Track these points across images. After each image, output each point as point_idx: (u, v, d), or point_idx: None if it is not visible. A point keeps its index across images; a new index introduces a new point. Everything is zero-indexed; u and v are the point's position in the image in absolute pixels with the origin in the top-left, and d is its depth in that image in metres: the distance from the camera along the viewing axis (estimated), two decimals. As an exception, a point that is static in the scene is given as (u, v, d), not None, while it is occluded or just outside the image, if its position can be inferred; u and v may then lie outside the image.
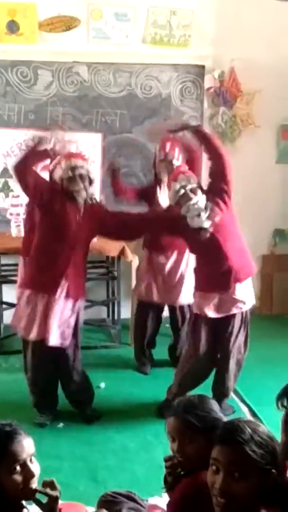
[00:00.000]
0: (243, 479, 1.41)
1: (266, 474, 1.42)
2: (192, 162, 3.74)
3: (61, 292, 3.16)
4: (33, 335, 3.19)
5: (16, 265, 4.39)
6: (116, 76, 4.95)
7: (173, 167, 3.61)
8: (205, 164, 3.45)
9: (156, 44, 4.99)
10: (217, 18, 4.98)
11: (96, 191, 3.35)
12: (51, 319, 3.14)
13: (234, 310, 3.25)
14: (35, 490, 1.63)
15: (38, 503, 1.68)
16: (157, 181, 3.92)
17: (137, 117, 5.01)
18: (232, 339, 3.30)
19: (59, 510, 1.71)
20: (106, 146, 5.00)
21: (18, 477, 1.59)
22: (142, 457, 2.98)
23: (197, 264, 3.42)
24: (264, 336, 4.77)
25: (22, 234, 4.18)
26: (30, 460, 1.63)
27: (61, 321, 3.19)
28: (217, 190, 3.16)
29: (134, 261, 4.47)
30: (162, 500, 2.28)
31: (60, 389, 3.41)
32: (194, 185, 3.14)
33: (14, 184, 4.91)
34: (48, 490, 1.67)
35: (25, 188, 3.17)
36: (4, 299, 4.67)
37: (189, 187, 3.11)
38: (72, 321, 3.23)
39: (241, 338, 3.34)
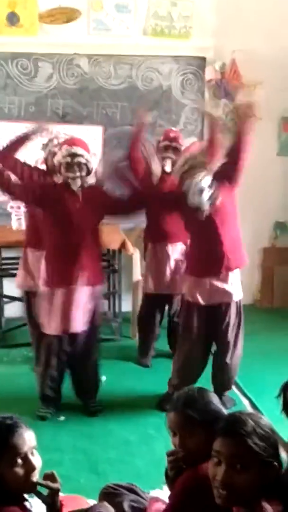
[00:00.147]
0: (245, 472, 1.42)
1: (268, 466, 1.43)
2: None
3: (79, 282, 3.17)
4: (53, 329, 3.21)
5: (17, 258, 4.39)
6: (116, 68, 4.93)
7: (180, 153, 3.61)
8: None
9: (157, 36, 4.96)
10: (218, 9, 4.95)
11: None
12: (72, 308, 3.16)
13: (226, 299, 3.25)
14: (36, 483, 1.64)
15: (40, 495, 1.69)
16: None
17: (137, 109, 4.98)
18: (230, 330, 3.30)
19: (60, 503, 1.72)
20: (107, 139, 4.98)
21: (19, 470, 1.60)
22: (143, 450, 2.99)
23: (190, 247, 3.41)
24: (265, 329, 4.78)
25: (23, 227, 4.17)
26: (32, 453, 1.63)
27: (82, 308, 3.19)
28: (227, 173, 3.14)
29: (135, 254, 4.46)
30: (163, 492, 2.29)
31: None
32: (201, 161, 3.10)
33: (14, 176, 4.91)
34: (49, 483, 1.68)
35: (10, 191, 3.21)
36: (5, 292, 4.67)
37: (194, 162, 3.07)
38: (90, 307, 3.24)
39: (238, 329, 3.34)
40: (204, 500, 1.55)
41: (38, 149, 3.80)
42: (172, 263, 3.92)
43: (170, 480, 1.84)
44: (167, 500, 1.89)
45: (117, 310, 4.71)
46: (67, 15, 4.81)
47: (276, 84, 5.00)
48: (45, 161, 3.70)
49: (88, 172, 3.18)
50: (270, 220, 5.43)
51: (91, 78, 4.92)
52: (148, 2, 4.89)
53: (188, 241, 3.48)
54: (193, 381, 3.27)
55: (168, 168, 3.75)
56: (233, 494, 1.42)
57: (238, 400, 3.53)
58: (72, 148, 3.13)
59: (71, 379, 3.43)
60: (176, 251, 3.93)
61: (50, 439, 3.04)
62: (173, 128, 4.20)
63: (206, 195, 3.04)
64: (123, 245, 4.35)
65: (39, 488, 1.67)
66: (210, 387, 2.83)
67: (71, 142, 3.21)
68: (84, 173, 3.15)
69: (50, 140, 3.68)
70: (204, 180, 3.05)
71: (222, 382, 3.40)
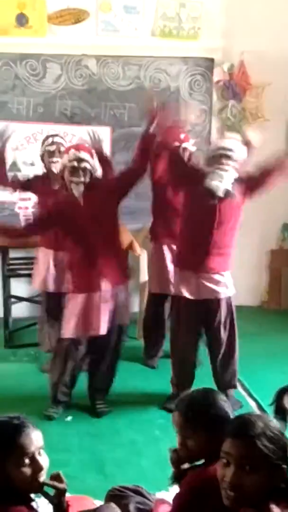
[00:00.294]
0: (254, 473, 1.42)
1: (276, 469, 1.43)
2: None
3: (101, 286, 3.19)
4: (73, 333, 3.22)
5: (25, 258, 4.40)
6: (125, 69, 4.93)
7: (189, 154, 3.62)
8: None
9: (165, 37, 4.96)
10: (226, 10, 4.95)
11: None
12: (94, 312, 3.18)
13: (212, 296, 3.28)
14: (43, 483, 1.64)
15: (46, 495, 1.69)
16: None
17: (145, 110, 4.98)
18: (222, 327, 3.34)
19: (66, 503, 1.72)
20: (115, 140, 4.98)
21: (26, 470, 1.60)
22: (150, 451, 2.98)
23: (181, 235, 3.42)
24: (273, 330, 4.77)
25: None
26: (39, 453, 1.63)
27: (103, 311, 3.21)
28: (251, 183, 3.20)
29: (143, 255, 4.46)
30: (169, 494, 2.29)
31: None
32: (237, 157, 3.11)
33: (22, 178, 4.93)
34: (55, 483, 1.68)
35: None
36: (13, 292, 4.67)
37: (229, 153, 3.08)
38: (112, 307, 3.24)
39: (230, 327, 3.38)
40: (209, 502, 1.56)
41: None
42: None
43: (174, 477, 1.85)
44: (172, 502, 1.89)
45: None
46: (76, 16, 4.82)
47: (284, 86, 4.99)
48: (41, 158, 3.81)
49: (91, 178, 3.17)
50: (278, 222, 5.41)
51: (99, 79, 4.92)
52: (156, 3, 4.89)
53: (181, 228, 3.47)
54: (189, 375, 3.38)
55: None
56: (241, 496, 1.42)
57: (245, 402, 3.52)
58: (79, 152, 3.13)
59: (88, 378, 3.44)
60: None
61: (57, 439, 3.05)
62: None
63: (225, 184, 3.06)
64: (130, 246, 4.35)
65: (46, 488, 1.67)
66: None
67: (77, 147, 3.22)
68: (87, 179, 3.14)
69: (47, 138, 3.75)
70: (229, 172, 3.07)
71: (223, 381, 3.42)
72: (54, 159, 3.69)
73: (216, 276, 3.27)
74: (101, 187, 3.21)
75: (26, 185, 3.88)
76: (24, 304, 4.84)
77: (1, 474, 1.59)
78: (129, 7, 4.87)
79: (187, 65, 5.00)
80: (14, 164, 4.85)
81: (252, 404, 3.54)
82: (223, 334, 3.36)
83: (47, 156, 3.76)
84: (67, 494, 1.73)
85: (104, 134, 4.95)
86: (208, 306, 3.32)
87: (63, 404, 3.39)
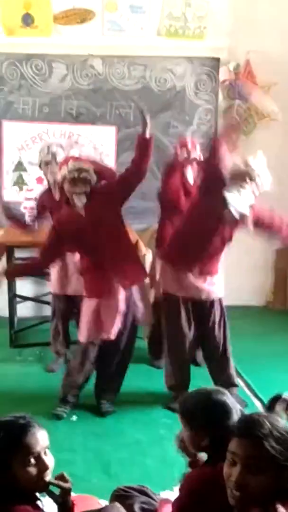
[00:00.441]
0: (260, 474, 1.41)
1: (283, 470, 1.42)
2: None
3: (115, 290, 3.20)
4: (88, 337, 3.25)
5: (30, 258, 4.39)
6: (130, 69, 4.94)
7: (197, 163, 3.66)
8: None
9: (171, 36, 4.96)
10: (232, 10, 4.94)
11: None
12: (112, 316, 3.19)
13: (207, 297, 3.34)
14: (49, 482, 1.64)
15: (51, 495, 1.70)
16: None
17: (151, 110, 4.98)
18: (216, 328, 3.39)
19: (71, 502, 1.72)
20: (120, 139, 4.99)
21: (32, 470, 1.60)
22: (155, 451, 2.98)
23: (179, 234, 3.42)
24: (278, 330, 4.75)
25: (36, 227, 4.18)
26: (44, 453, 1.64)
27: (116, 314, 3.22)
28: (255, 219, 3.23)
29: (148, 254, 4.46)
30: (174, 494, 2.29)
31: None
32: (260, 178, 3.11)
33: (28, 177, 4.94)
34: (60, 483, 1.68)
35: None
36: (18, 292, 4.69)
37: (255, 173, 3.08)
38: (124, 310, 3.25)
39: (224, 327, 3.42)
40: (209, 506, 1.56)
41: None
42: None
43: (189, 464, 1.90)
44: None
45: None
46: (81, 16, 4.83)
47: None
48: (39, 167, 3.86)
49: (91, 188, 3.15)
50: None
51: (105, 78, 4.93)
52: (162, 2, 4.89)
53: (178, 224, 3.48)
54: (185, 375, 3.46)
55: None
56: (247, 496, 1.42)
57: (250, 402, 3.51)
58: (79, 163, 3.13)
59: (96, 377, 3.45)
60: None
61: (63, 438, 3.05)
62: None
63: (242, 207, 3.10)
64: (135, 246, 4.34)
65: (51, 487, 1.67)
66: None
67: (75, 158, 3.24)
68: (88, 189, 3.12)
69: (43, 148, 3.78)
70: (247, 192, 3.09)
71: (223, 380, 3.41)
72: (51, 169, 3.74)
73: (210, 278, 3.34)
74: (102, 193, 3.20)
75: (41, 213, 3.97)
76: (29, 303, 4.85)
77: (7, 474, 1.60)
78: (135, 6, 4.87)
79: (193, 64, 5.00)
80: (19, 164, 4.87)
81: (257, 403, 3.53)
82: (218, 334, 3.41)
83: (43, 165, 3.81)
84: (72, 494, 1.73)
85: (110, 133, 4.97)
86: (202, 307, 3.37)
87: (71, 404, 3.40)
